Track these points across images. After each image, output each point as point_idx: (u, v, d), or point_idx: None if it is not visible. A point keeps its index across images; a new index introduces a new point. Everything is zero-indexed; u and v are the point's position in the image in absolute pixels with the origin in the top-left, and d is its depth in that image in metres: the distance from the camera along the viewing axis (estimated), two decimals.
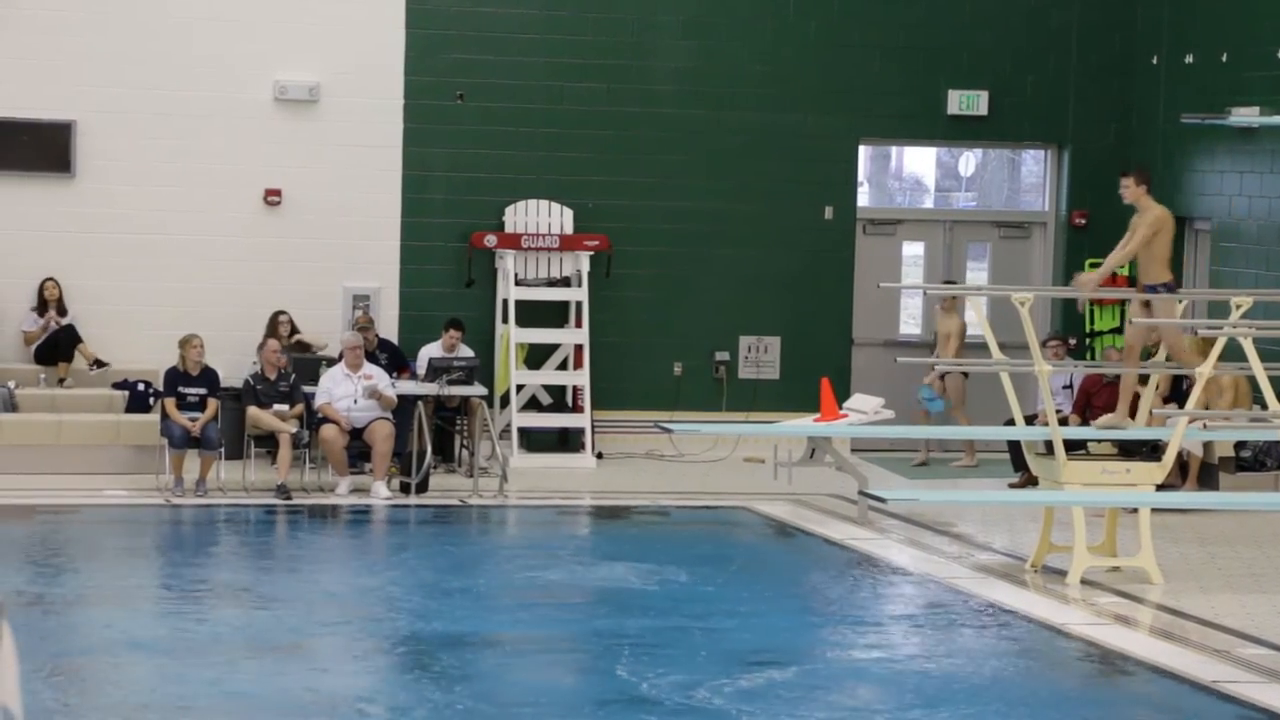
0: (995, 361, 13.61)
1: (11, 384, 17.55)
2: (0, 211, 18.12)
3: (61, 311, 18.15)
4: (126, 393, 17.78)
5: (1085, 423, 15.75)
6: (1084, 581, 12.95)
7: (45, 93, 18.26)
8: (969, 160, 21.18)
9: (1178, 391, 16.57)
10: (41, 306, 18.16)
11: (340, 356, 16.85)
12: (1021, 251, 20.41)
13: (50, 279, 18.14)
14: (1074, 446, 13.57)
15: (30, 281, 18.16)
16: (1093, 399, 16.77)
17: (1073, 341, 18.91)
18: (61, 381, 17.92)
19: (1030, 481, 15.71)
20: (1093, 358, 19.20)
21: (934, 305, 19.22)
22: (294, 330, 18.12)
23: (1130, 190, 13.44)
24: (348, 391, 16.48)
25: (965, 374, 17.95)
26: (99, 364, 17.98)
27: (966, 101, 19.80)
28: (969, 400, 18.70)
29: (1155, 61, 19.45)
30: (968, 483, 17.73)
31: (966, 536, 14.94)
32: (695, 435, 18.05)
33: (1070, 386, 17.48)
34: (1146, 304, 13.40)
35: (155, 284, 18.45)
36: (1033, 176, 20.93)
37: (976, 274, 20.72)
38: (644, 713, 9.25)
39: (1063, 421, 15.26)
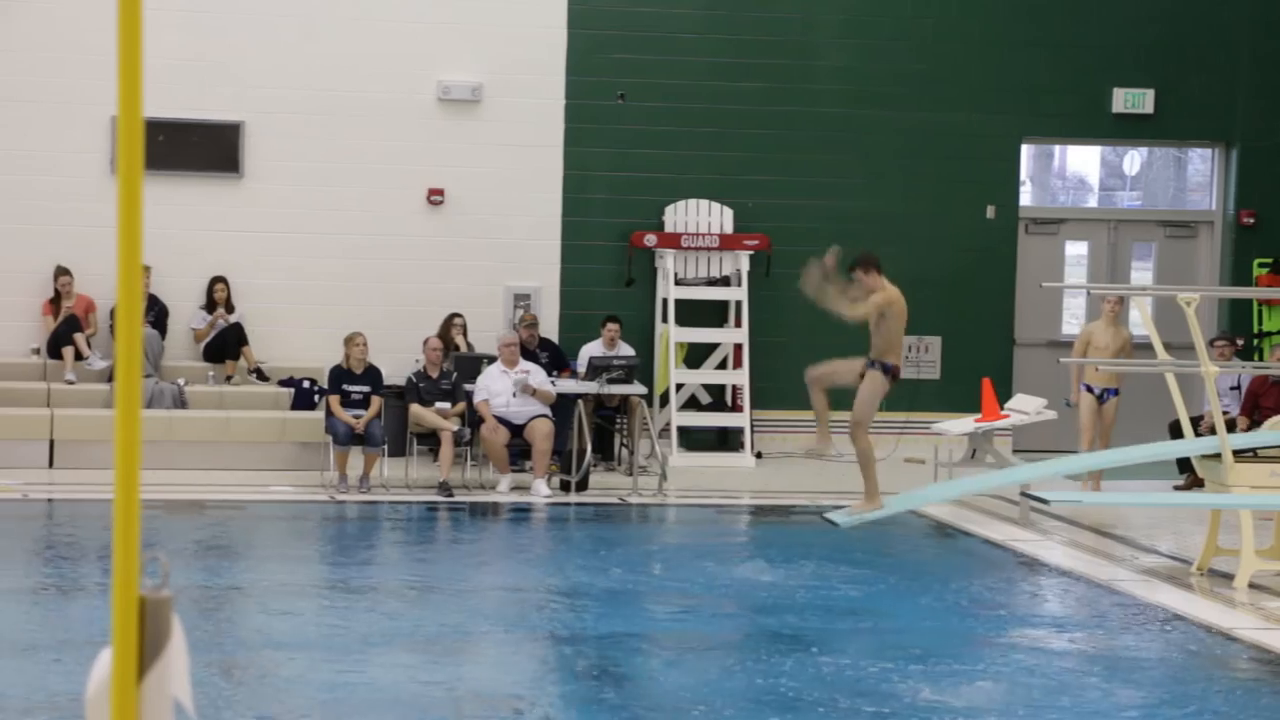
0: (1161, 362, 13.43)
1: (181, 381, 17.87)
2: (172, 211, 18.44)
3: (229, 310, 18.45)
4: (292, 390, 18.03)
5: (1253, 424, 15.49)
6: (1252, 585, 12.74)
7: (214, 94, 18.56)
8: (1134, 159, 20.90)
9: None
10: (210, 305, 18.47)
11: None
12: (1188, 251, 20.13)
13: (220, 280, 18.43)
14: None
15: (200, 280, 18.48)
16: (1260, 400, 16.50)
17: (1240, 342, 18.61)
18: (229, 379, 18.20)
19: (1196, 484, 15.47)
20: (1261, 358, 18.89)
21: (1097, 311, 18.81)
22: (465, 333, 18.25)
23: (864, 279, 12.86)
24: (504, 388, 16.60)
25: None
26: (260, 375, 18.23)
27: (1132, 99, 19.55)
28: (1132, 402, 18.40)
29: None
30: (1132, 485, 17.49)
31: (1130, 539, 14.75)
32: None
33: (1238, 387, 17.20)
34: (862, 375, 12.97)
35: (320, 282, 18.69)
36: (1199, 175, 20.62)
37: (1141, 274, 20.47)
38: (808, 713, 9.23)
39: (1230, 423, 15.02)
